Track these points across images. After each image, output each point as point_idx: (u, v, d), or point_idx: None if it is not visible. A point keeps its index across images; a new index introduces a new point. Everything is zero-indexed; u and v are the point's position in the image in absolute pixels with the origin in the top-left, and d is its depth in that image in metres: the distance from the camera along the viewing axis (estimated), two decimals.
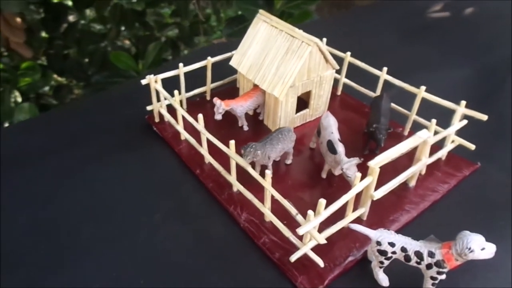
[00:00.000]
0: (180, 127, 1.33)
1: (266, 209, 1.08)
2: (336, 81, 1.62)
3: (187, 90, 1.51)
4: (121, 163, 1.33)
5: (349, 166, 1.12)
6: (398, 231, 1.10)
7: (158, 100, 1.40)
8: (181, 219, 1.15)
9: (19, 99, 2.76)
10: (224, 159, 1.19)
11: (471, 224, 1.12)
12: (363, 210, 1.10)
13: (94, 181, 1.26)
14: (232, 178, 1.17)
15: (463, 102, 1.25)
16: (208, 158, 1.24)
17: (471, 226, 1.06)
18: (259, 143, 1.17)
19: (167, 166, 1.32)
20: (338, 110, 1.57)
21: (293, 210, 0.97)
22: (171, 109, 1.41)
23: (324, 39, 1.59)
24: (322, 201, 0.92)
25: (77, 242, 1.08)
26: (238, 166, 1.15)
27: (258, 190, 1.20)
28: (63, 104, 2.73)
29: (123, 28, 3.36)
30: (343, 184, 1.21)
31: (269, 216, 1.06)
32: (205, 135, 1.19)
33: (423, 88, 1.33)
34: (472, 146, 1.29)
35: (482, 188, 1.25)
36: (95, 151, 1.37)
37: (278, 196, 1.00)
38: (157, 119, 1.45)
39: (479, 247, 0.85)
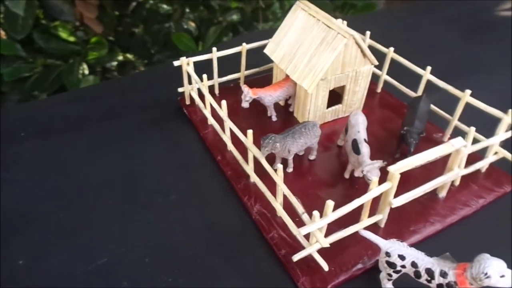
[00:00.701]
0: (207, 112, 1.33)
1: (277, 204, 1.05)
2: (377, 78, 1.53)
3: (225, 75, 1.51)
4: (148, 141, 1.35)
5: (370, 168, 1.05)
6: (417, 244, 1.04)
7: (190, 83, 1.41)
8: (195, 203, 1.16)
9: (86, 72, 2.92)
10: (245, 148, 1.17)
11: (501, 246, 1.02)
12: (381, 217, 1.04)
13: (119, 156, 1.30)
14: (249, 168, 1.15)
15: (511, 111, 1.13)
16: (229, 146, 1.23)
17: (500, 249, 0.98)
18: (280, 135, 1.14)
19: (191, 149, 1.33)
20: (376, 108, 1.49)
21: (300, 209, 0.93)
22: (202, 93, 1.42)
23: (368, 33, 1.51)
24: (330, 203, 0.88)
25: (92, 214, 1.12)
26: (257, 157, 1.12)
27: (275, 183, 1.18)
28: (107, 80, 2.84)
29: (187, 10, 3.42)
30: (366, 187, 1.14)
31: (280, 211, 1.03)
32: (226, 121, 1.17)
33: (468, 92, 1.22)
34: None
35: None
36: (126, 127, 1.41)
37: (287, 192, 0.96)
38: (188, 102, 1.46)
39: (497, 273, 0.76)
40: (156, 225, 1.10)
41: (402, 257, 0.86)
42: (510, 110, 1.13)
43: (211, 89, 1.50)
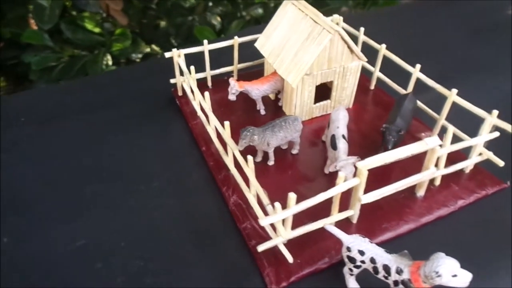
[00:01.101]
0: (195, 103, 1.36)
1: (250, 195, 1.07)
2: (371, 75, 1.52)
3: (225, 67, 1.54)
4: (139, 130, 1.40)
5: (344, 164, 1.06)
6: (388, 242, 1.04)
7: (182, 74, 1.44)
8: (176, 191, 1.19)
9: (110, 62, 3.00)
10: None
11: (471, 249, 1.01)
12: (352, 213, 1.04)
13: (110, 144, 1.35)
14: (228, 159, 1.17)
15: (495, 112, 1.10)
16: (213, 137, 1.26)
17: (470, 252, 0.98)
18: (259, 128, 1.16)
19: (179, 139, 1.36)
20: (369, 105, 1.48)
21: (265, 200, 0.95)
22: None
23: (362, 29, 1.49)
24: (292, 195, 0.89)
25: (78, 198, 1.17)
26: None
27: (257, 175, 1.19)
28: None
29: (211, 4, 3.45)
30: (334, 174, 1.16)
31: (251, 202, 1.05)
32: (208, 113, 1.20)
33: (454, 91, 1.20)
34: (500, 163, 1.14)
35: (503, 211, 1.10)
36: (120, 116, 1.46)
37: (255, 183, 0.98)
38: (180, 93, 1.49)
39: (449, 273, 0.76)
40: (136, 211, 1.14)
41: (361, 253, 0.87)
42: (494, 110, 1.10)
43: (204, 81, 1.54)
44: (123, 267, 1.01)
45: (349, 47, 1.25)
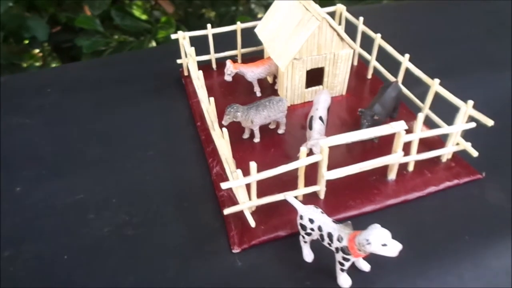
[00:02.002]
0: (195, 81, 1.47)
1: (227, 165, 1.16)
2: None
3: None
4: (146, 105, 1.54)
5: (315, 143, 1.13)
6: (351, 218, 1.10)
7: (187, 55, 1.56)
8: (168, 160, 1.32)
9: None
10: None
11: (429, 234, 1.05)
12: (318, 188, 1.11)
13: (118, 115, 1.50)
14: (214, 133, 1.28)
15: (470, 102, 1.12)
16: (204, 112, 1.36)
17: (427, 236, 1.03)
18: (245, 106, 1.25)
19: (180, 115, 1.49)
20: (365, 94, 1.52)
21: (231, 167, 1.05)
22: (202, 65, 1.57)
23: (361, 18, 1.53)
24: (253, 164, 0.98)
25: (82, 158, 1.33)
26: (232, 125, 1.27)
27: (243, 151, 1.30)
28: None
29: None
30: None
31: (227, 171, 1.14)
32: (198, 89, 1.30)
33: (437, 81, 1.22)
34: (474, 153, 1.16)
35: (470, 201, 1.13)
36: (131, 92, 1.61)
37: (223, 151, 1.08)
38: (185, 73, 1.61)
39: (379, 242, 0.82)
40: (130, 173, 1.28)
41: (311, 221, 0.95)
42: (469, 101, 1.12)
43: (209, 63, 1.65)
44: (111, 219, 1.15)
45: (338, 34, 1.30)
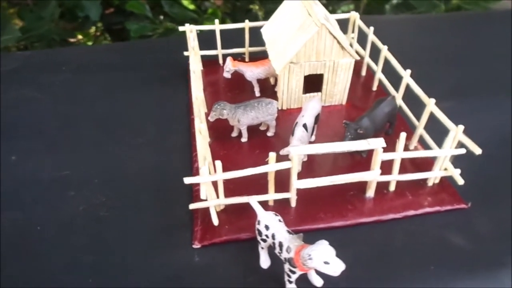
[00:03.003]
0: (191, 74, 1.47)
1: (206, 160, 1.17)
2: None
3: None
4: (148, 93, 1.57)
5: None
6: (318, 231, 1.08)
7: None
8: (155, 148, 1.34)
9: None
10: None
11: (395, 258, 1.01)
12: (288, 196, 1.09)
13: (120, 100, 1.54)
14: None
15: (461, 127, 1.06)
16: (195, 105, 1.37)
17: (392, 260, 1.01)
18: (233, 104, 1.25)
19: (178, 106, 1.51)
20: (367, 105, 1.46)
21: (201, 163, 1.05)
22: (210, 60, 1.59)
23: (371, 28, 1.48)
24: (218, 163, 0.98)
25: (76, 137, 1.39)
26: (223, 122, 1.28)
27: (228, 149, 1.30)
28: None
29: None
30: (309, 168, 1.21)
31: (200, 165, 1.14)
32: (191, 82, 1.31)
33: (433, 100, 1.16)
34: (460, 180, 1.10)
35: (447, 231, 1.07)
36: (138, 78, 1.65)
37: (199, 148, 1.08)
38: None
39: (321, 258, 0.80)
40: (117, 157, 1.32)
41: (267, 227, 0.93)
42: (460, 125, 1.06)
43: (216, 59, 1.66)
44: (88, 198, 1.19)
45: (338, 42, 1.27)
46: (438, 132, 1.23)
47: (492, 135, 1.36)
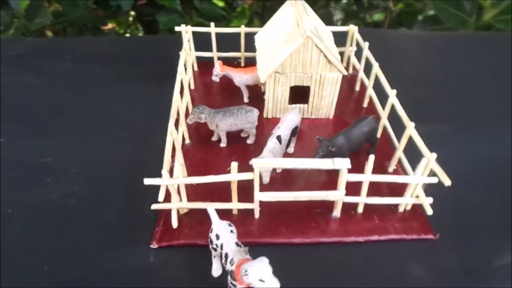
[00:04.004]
0: (178, 74, 1.46)
1: (177, 163, 1.18)
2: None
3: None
4: (141, 88, 1.60)
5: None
6: (276, 245, 1.07)
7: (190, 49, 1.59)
8: (137, 143, 1.36)
9: None
10: None
11: (343, 283, 0.99)
12: (251, 207, 1.09)
13: (114, 93, 1.58)
14: (181, 129, 1.30)
15: (434, 155, 1.02)
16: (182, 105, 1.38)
17: (340, 284, 0.99)
18: (213, 109, 1.26)
19: (170, 103, 1.50)
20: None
21: (166, 167, 1.05)
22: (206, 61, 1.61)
23: (366, 43, 1.45)
24: (178, 168, 0.99)
25: (67, 123, 1.44)
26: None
27: (205, 152, 1.31)
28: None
29: None
30: (283, 181, 1.21)
31: (175, 168, 1.14)
32: (176, 84, 1.31)
33: (412, 124, 1.13)
34: (429, 210, 1.06)
35: (405, 261, 1.03)
36: (137, 73, 1.69)
37: (167, 149, 1.09)
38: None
39: (256, 275, 0.79)
40: (98, 149, 1.34)
41: (217, 237, 0.93)
42: (433, 153, 1.02)
43: (211, 61, 1.67)
44: (62, 186, 1.22)
45: (325, 56, 1.25)
46: (420, 156, 1.20)
47: (483, 163, 1.32)
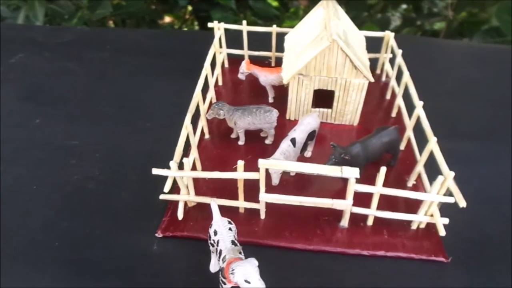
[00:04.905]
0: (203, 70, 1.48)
1: (192, 156, 1.20)
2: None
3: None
4: (170, 81, 1.63)
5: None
6: (278, 248, 1.05)
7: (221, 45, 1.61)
8: (158, 136, 1.39)
9: None
10: None
11: None
12: (257, 206, 1.08)
13: (141, 84, 1.63)
14: (202, 123, 1.32)
15: (451, 173, 0.96)
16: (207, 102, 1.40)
17: None
18: (233, 106, 1.26)
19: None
20: None
21: (176, 159, 1.07)
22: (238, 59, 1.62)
23: (399, 51, 1.39)
24: (186, 160, 1.01)
25: (94, 111, 1.50)
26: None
27: (223, 148, 1.32)
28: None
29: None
30: (298, 184, 1.19)
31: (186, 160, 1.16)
32: (203, 77, 1.33)
33: (434, 139, 1.06)
34: (442, 231, 1.00)
35: (410, 282, 0.98)
36: (165, 66, 1.73)
37: (180, 142, 1.10)
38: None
39: (242, 276, 0.79)
40: (122, 137, 1.39)
41: (215, 233, 0.94)
42: (451, 172, 0.96)
43: (242, 58, 1.67)
44: (84, 169, 1.28)
45: (351, 61, 1.21)
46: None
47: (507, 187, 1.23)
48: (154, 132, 1.42)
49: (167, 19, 3.19)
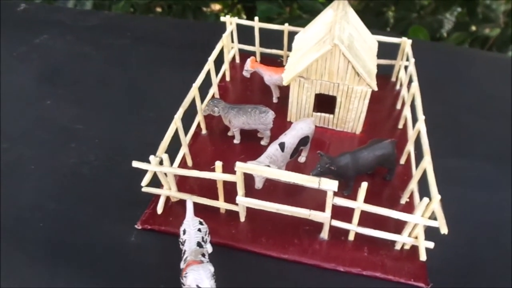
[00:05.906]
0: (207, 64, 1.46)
1: (182, 152, 1.19)
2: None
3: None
4: (179, 73, 1.60)
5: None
6: (251, 254, 1.03)
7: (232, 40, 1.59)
8: (158, 127, 1.35)
9: None
10: None
11: None
12: (235, 209, 1.06)
13: (151, 71, 1.64)
14: (199, 116, 1.31)
15: (438, 196, 0.89)
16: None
17: None
18: (229, 104, 1.24)
19: (205, 90, 1.52)
20: None
21: (160, 153, 1.06)
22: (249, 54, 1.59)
23: (412, 60, 1.30)
24: (165, 156, 1.00)
25: (103, 96, 1.53)
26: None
27: (217, 145, 1.31)
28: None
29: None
30: (288, 190, 1.16)
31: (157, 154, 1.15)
32: (205, 71, 1.32)
33: (428, 158, 0.99)
34: (422, 255, 0.94)
35: None
36: (178, 57, 1.73)
37: (166, 137, 1.10)
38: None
39: (194, 280, 0.78)
40: (124, 125, 1.41)
41: (184, 232, 0.93)
42: (437, 195, 0.89)
43: (253, 54, 1.63)
44: (82, 153, 1.31)
45: (353, 67, 1.15)
46: (440, 194, 1.06)
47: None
48: (157, 122, 1.41)
49: (217, 6, 3.19)
